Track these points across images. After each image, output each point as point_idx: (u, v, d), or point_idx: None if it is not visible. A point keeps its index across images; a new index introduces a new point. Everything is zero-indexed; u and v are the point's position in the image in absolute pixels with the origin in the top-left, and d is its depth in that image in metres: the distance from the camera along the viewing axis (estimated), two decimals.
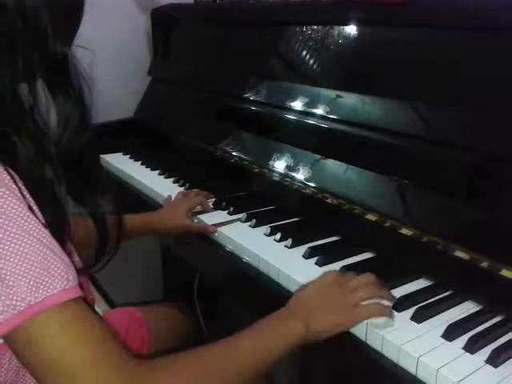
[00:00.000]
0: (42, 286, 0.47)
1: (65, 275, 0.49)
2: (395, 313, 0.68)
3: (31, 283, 0.47)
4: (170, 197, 1.11)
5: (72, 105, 0.54)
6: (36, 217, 0.49)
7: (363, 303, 0.67)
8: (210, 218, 0.99)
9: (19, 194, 0.49)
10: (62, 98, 0.53)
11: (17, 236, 0.47)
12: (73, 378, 0.48)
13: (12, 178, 0.49)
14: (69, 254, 0.54)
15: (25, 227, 0.48)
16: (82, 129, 0.55)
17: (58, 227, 0.53)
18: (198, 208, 1.04)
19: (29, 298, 0.46)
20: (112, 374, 0.49)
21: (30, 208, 0.50)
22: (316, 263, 0.81)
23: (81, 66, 0.55)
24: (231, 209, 1.02)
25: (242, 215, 0.99)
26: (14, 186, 0.49)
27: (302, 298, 0.69)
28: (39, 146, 0.52)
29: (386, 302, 0.68)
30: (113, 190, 0.62)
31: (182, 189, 1.16)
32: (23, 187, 0.50)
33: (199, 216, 1.01)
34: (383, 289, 0.70)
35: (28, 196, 0.50)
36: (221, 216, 1.01)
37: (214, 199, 1.08)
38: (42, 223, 0.50)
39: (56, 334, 0.48)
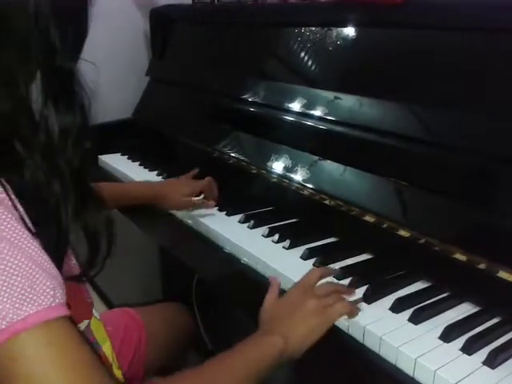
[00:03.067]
0: (25, 303, 0.44)
1: (51, 292, 0.46)
2: (393, 314, 0.69)
3: (14, 299, 0.44)
4: None
5: (74, 118, 0.52)
6: (28, 229, 0.47)
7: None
8: (207, 219, 0.99)
9: (9, 203, 0.46)
10: (65, 111, 0.51)
11: (0, 248, 0.44)
12: None
13: (3, 186, 0.46)
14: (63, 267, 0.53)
15: (12, 238, 0.45)
16: (82, 141, 0.54)
17: (56, 244, 0.51)
18: (201, 198, 1.07)
19: (11, 316, 0.44)
20: None
21: (22, 219, 0.47)
22: (314, 264, 0.81)
23: (84, 81, 0.54)
24: (229, 209, 1.02)
25: (240, 216, 0.99)
26: (2, 195, 0.46)
27: (273, 315, 0.70)
28: (50, 161, 0.50)
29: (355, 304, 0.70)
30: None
31: None
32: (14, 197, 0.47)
33: (197, 217, 1.02)
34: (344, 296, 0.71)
35: (20, 207, 0.47)
36: (218, 217, 1.01)
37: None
38: (33, 233, 0.47)
39: (37, 354, 0.45)
